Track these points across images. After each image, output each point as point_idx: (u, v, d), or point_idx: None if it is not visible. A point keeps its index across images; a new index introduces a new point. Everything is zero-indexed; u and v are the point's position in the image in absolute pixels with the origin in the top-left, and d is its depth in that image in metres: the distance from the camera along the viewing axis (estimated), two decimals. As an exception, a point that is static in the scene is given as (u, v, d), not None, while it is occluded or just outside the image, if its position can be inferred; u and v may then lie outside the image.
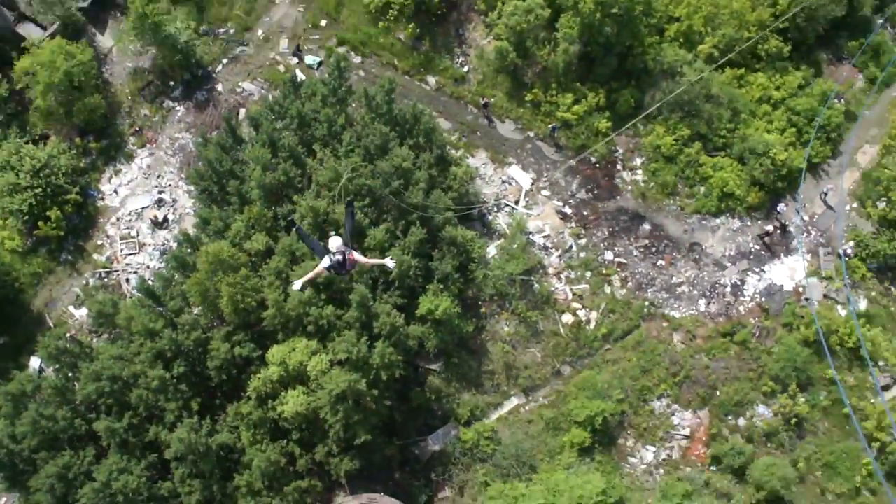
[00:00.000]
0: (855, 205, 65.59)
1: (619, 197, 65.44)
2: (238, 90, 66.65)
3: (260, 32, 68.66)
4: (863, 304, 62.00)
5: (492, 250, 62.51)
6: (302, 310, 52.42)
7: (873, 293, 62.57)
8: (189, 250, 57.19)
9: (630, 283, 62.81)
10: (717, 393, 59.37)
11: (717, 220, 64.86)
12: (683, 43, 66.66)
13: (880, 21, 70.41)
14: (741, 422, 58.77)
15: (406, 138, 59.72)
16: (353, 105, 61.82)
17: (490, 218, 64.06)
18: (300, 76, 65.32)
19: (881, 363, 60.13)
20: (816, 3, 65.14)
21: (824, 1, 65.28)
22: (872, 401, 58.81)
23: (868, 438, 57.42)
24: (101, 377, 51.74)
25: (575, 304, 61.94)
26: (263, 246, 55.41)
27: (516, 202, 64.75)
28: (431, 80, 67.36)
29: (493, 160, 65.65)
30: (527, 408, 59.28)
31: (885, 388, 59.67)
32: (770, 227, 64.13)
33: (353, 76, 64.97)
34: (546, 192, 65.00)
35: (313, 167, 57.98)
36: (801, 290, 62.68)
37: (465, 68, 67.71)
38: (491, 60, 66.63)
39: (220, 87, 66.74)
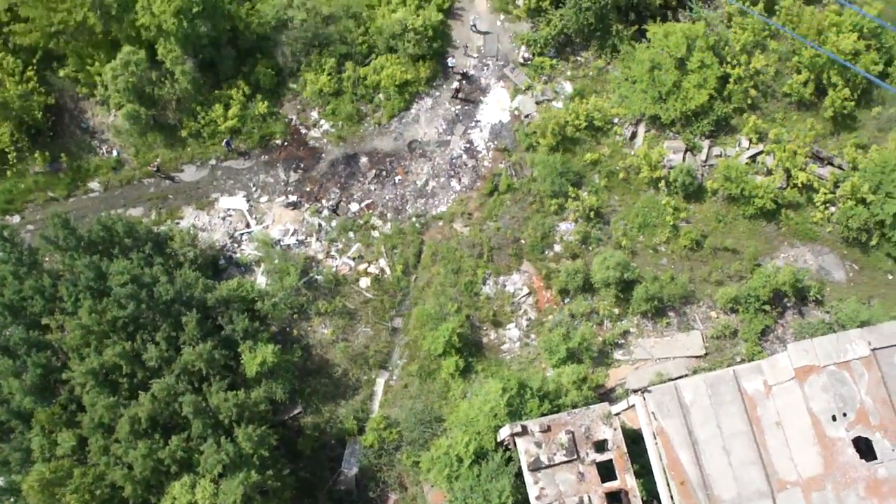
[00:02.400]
0: (502, 17, 68.19)
1: (323, 154, 65.16)
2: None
3: None
4: (569, 88, 65.35)
5: (262, 280, 61.13)
6: (152, 462, 49.83)
7: (569, 73, 65.99)
8: (13, 499, 52.81)
9: (389, 214, 63.25)
10: (522, 241, 61.48)
11: (413, 110, 65.92)
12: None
13: None
14: (557, 248, 61.32)
15: (114, 250, 56.82)
16: (48, 258, 57.97)
17: (238, 255, 62.33)
18: (-25, 272, 60.19)
19: (615, 120, 64.02)
20: None
21: None
22: (632, 152, 62.75)
23: (653, 183, 61.66)
24: None
25: (361, 267, 61.91)
26: (74, 440, 51.86)
27: (248, 225, 63.24)
28: (94, 185, 63.99)
29: (201, 207, 63.57)
30: (394, 377, 59.39)
31: (633, 135, 63.76)
32: (455, 84, 65.77)
33: (26, 235, 60.90)
34: (265, 199, 63.81)
35: (57, 339, 54.34)
36: (517, 113, 65.18)
37: (115, 152, 64.73)
38: (129, 129, 63.94)
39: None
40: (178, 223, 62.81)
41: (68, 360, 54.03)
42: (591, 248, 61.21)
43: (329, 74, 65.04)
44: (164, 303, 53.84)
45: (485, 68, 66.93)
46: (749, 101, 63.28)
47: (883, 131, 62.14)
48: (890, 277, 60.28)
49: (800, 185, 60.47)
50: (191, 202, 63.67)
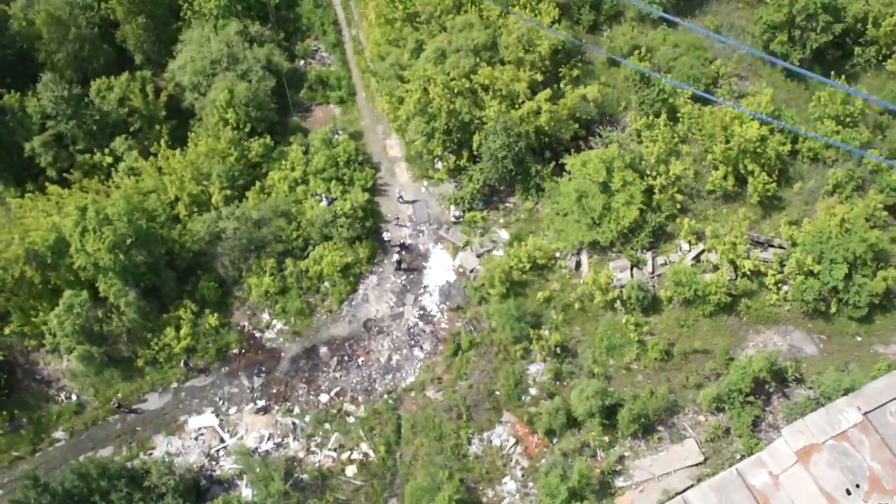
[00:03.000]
0: (425, 182, 70.34)
1: (282, 353, 64.91)
2: None
3: None
4: (505, 235, 66.79)
5: (247, 492, 59.40)
6: None
7: (501, 220, 67.64)
8: None
9: (360, 397, 62.56)
10: (497, 392, 61.03)
11: (361, 291, 66.51)
12: (198, 208, 67.52)
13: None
14: (533, 392, 60.93)
15: (93, 497, 55.03)
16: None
17: (218, 473, 60.68)
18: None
19: (557, 254, 65.23)
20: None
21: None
22: (581, 281, 63.62)
23: (609, 305, 62.30)
24: None
25: (343, 456, 60.63)
26: None
27: (222, 440, 61.94)
28: (59, 433, 62.52)
29: (171, 433, 62.26)
30: (402, 560, 57.36)
31: (578, 264, 64.84)
32: (396, 256, 66.80)
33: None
34: (234, 410, 62.82)
35: None
36: (461, 270, 66.15)
37: (74, 396, 63.81)
38: (84, 370, 63.36)
39: None
40: (150, 454, 61.24)
41: None
42: (565, 383, 60.94)
43: (271, 275, 65.68)
44: (151, 540, 51.93)
45: (420, 234, 68.26)
46: (678, 206, 65.18)
47: (809, 204, 64.16)
48: (859, 339, 60.68)
49: (748, 272, 61.49)
50: (160, 430, 62.34)
